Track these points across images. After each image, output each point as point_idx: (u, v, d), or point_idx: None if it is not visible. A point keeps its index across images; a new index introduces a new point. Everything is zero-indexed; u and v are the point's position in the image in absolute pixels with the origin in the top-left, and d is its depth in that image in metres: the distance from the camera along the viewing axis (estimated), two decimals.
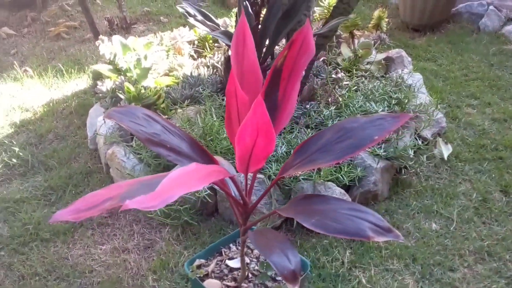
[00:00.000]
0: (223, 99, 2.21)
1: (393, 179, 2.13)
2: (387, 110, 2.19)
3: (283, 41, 2.59)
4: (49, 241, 1.85)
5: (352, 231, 1.02)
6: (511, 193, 2.08)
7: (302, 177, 1.87)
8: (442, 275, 1.70)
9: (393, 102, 2.24)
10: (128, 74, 2.41)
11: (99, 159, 2.30)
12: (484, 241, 1.83)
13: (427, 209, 1.99)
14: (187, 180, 0.93)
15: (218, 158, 1.43)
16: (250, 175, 1.24)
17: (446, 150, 2.30)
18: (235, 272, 1.45)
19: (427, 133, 2.34)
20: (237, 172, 1.26)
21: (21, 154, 2.36)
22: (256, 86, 1.19)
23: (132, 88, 2.16)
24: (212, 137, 1.87)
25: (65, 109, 2.78)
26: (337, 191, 1.87)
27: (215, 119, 1.83)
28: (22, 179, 2.23)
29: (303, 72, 1.18)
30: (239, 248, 1.54)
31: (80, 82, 3.13)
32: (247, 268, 1.44)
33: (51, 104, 2.85)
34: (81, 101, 2.82)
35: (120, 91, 2.28)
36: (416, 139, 2.17)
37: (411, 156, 2.04)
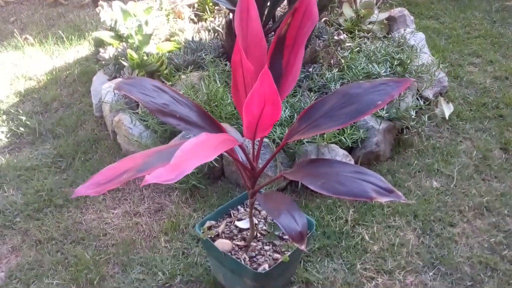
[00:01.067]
0: (225, 64, 2.23)
1: (395, 139, 2.17)
2: (389, 72, 2.21)
3: (285, 2, 2.57)
4: (63, 207, 1.92)
5: (356, 193, 1.07)
6: (510, 150, 2.13)
7: (306, 140, 1.91)
8: (442, 230, 1.77)
9: (396, 63, 2.25)
10: (130, 41, 2.41)
11: (105, 126, 2.34)
12: (483, 197, 1.89)
13: (428, 168, 2.05)
14: (199, 150, 0.98)
15: (224, 125, 1.47)
16: (256, 140, 1.28)
17: (447, 109, 2.33)
18: (244, 232, 1.52)
19: (428, 93, 2.36)
20: (243, 137, 1.30)
21: (28, 122, 2.40)
22: (261, 54, 1.21)
23: (135, 55, 2.17)
24: (216, 102, 1.90)
25: (68, 77, 2.79)
26: (340, 153, 1.92)
27: (219, 85, 1.85)
28: (31, 147, 2.28)
29: (306, 40, 1.20)
30: (247, 209, 1.60)
31: (81, 49, 3.12)
32: (255, 228, 1.50)
33: (54, 72, 2.86)
34: (83, 68, 2.83)
35: (123, 58, 2.29)
36: (418, 100, 2.20)
37: (413, 116, 2.07)
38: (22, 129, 2.37)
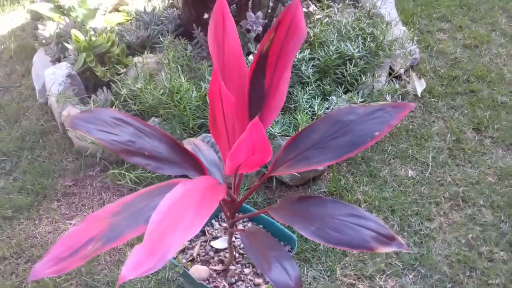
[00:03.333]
0: (185, 44, 2.00)
1: None
2: (363, 49, 2.06)
3: None
4: (13, 219, 1.72)
5: (354, 243, 0.96)
6: (483, 130, 2.09)
7: (278, 133, 1.77)
8: (420, 225, 1.73)
9: (369, 39, 2.10)
10: (73, 14, 2.11)
11: (52, 114, 2.09)
12: (459, 186, 1.86)
13: (402, 154, 1.98)
14: (179, 215, 0.83)
15: (196, 142, 1.30)
16: None
17: (419, 86, 2.24)
18: (221, 253, 1.41)
19: (399, 67, 2.26)
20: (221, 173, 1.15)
21: None
22: (240, 79, 1.04)
23: (81, 37, 1.90)
24: (180, 95, 1.70)
25: (4, 53, 2.46)
26: None
27: (183, 80, 1.65)
28: None
29: (292, 59, 1.03)
30: (222, 224, 1.48)
31: (15, 17, 2.74)
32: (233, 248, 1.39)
33: None
34: (20, 42, 2.49)
35: (66, 39, 2.01)
36: (392, 81, 2.09)
37: (389, 101, 1.97)
38: None
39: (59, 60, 2.09)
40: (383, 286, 1.56)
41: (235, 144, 0.86)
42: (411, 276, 1.59)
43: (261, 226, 1.46)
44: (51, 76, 1.92)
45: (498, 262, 1.62)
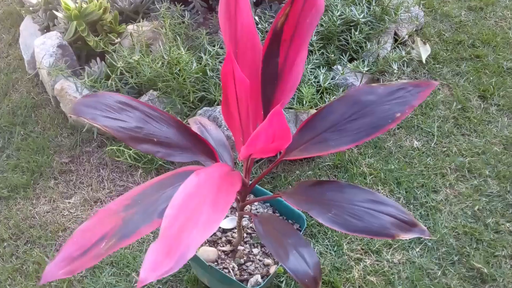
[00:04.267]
0: (182, 10, 1.89)
1: None
2: (368, 13, 1.97)
3: None
4: (9, 198, 1.66)
5: (374, 230, 0.93)
6: (488, 97, 2.04)
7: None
8: (426, 197, 1.71)
9: (374, 2, 2.01)
10: None
11: (43, 86, 1.99)
12: (464, 157, 1.83)
13: (407, 124, 1.93)
14: (196, 210, 0.78)
15: (203, 120, 1.24)
16: None
17: (424, 51, 2.17)
18: (228, 234, 1.37)
19: (403, 32, 2.18)
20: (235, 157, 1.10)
21: None
22: (254, 58, 0.96)
23: (71, 4, 1.78)
24: (179, 68, 1.61)
25: None
26: None
27: (183, 52, 1.56)
28: None
29: (309, 37, 0.95)
30: None
31: None
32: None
33: None
34: (5, 8, 2.35)
35: (54, 5, 1.89)
36: (398, 48, 2.01)
37: (395, 71, 1.90)
38: None
39: (48, 29, 1.97)
40: (390, 260, 1.55)
41: (253, 133, 0.80)
42: (417, 249, 1.57)
43: (268, 203, 1.43)
44: (41, 46, 1.81)
45: (504, 233, 1.61)
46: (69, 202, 1.65)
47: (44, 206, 1.65)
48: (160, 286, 1.46)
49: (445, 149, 1.86)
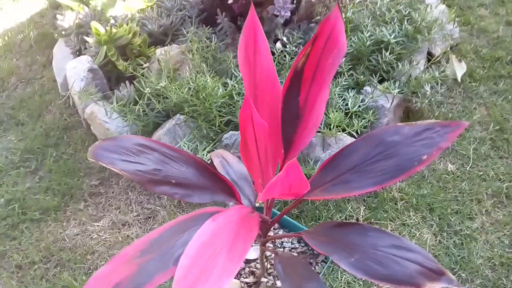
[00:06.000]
0: (209, 33, 1.89)
1: (404, 111, 1.96)
2: (399, 32, 1.91)
3: None
4: (40, 221, 1.70)
5: (400, 278, 0.89)
6: None
7: None
8: (460, 225, 1.64)
9: (406, 21, 1.95)
10: (92, 3, 2.02)
11: (75, 108, 2.04)
12: (502, 182, 1.75)
13: None
14: (211, 260, 0.77)
15: (224, 153, 1.23)
16: None
17: (460, 69, 2.09)
18: (252, 264, 1.36)
19: (437, 49, 2.11)
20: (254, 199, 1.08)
21: None
22: (274, 100, 0.94)
23: (101, 29, 1.81)
24: (205, 93, 1.61)
25: (24, 41, 2.40)
26: (349, 142, 1.71)
27: (208, 79, 1.55)
28: None
29: (331, 76, 0.93)
30: None
31: (34, 4, 2.66)
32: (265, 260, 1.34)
33: (6, 37, 2.45)
34: (40, 30, 2.42)
35: (86, 29, 1.93)
36: (431, 68, 1.94)
37: (428, 92, 1.83)
38: None
39: (80, 51, 2.02)
40: None
41: (270, 182, 0.78)
42: None
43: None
44: (72, 71, 1.86)
45: None
46: (97, 225, 1.68)
47: (74, 228, 1.68)
48: None
49: (482, 173, 1.78)
